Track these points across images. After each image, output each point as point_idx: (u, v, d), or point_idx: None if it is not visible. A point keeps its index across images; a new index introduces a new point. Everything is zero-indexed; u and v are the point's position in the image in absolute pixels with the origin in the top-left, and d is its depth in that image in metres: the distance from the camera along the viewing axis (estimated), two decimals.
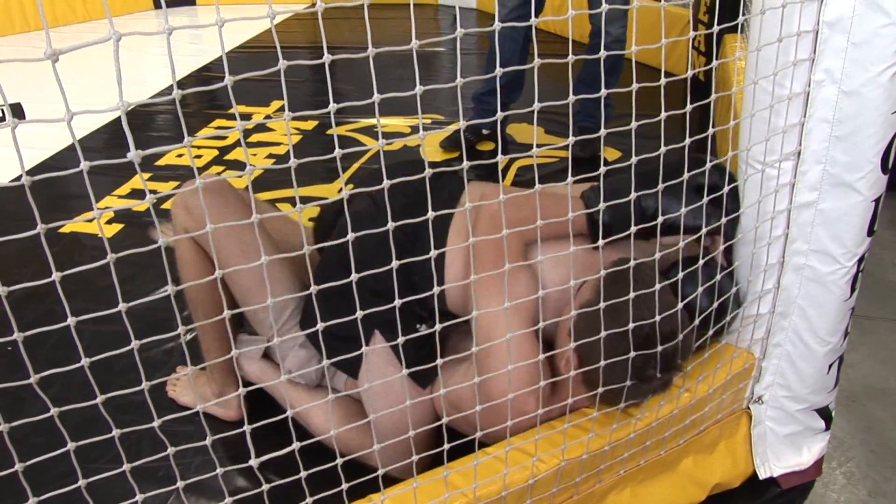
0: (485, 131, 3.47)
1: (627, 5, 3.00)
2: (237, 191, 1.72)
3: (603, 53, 1.00)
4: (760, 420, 1.67)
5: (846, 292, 1.45)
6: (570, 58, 0.95)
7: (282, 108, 4.13)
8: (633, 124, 1.06)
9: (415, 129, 3.74)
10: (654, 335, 1.27)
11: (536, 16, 3.18)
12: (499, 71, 0.91)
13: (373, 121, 3.80)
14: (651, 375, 1.33)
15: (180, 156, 3.54)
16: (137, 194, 3.20)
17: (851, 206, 1.34)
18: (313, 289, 0.97)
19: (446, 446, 1.19)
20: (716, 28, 1.12)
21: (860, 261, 1.42)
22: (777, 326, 1.53)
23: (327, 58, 0.73)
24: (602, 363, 1.25)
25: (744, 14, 1.29)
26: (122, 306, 0.76)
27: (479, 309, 1.37)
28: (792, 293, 1.48)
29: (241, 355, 1.87)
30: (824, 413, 1.65)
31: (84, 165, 0.62)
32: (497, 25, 0.88)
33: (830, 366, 1.56)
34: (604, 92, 1.08)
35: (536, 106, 0.95)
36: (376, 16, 5.54)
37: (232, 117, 4.04)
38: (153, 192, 3.15)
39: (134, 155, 0.62)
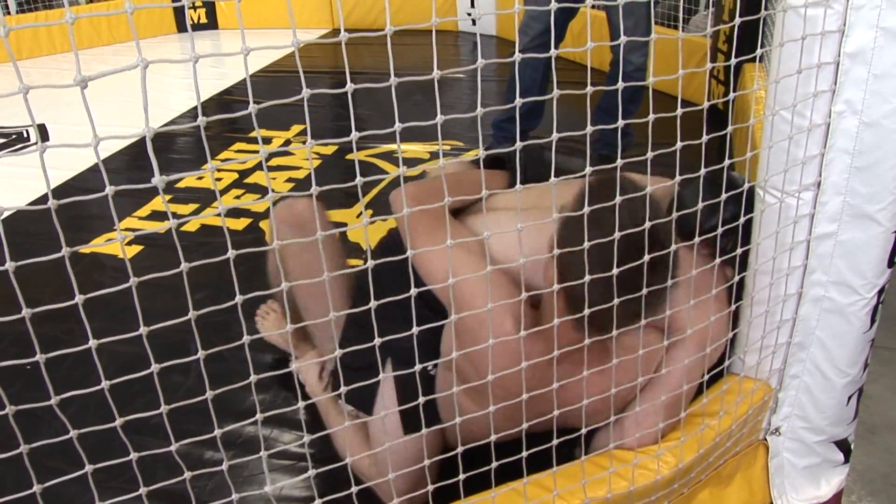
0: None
1: (648, 34, 3.01)
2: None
3: (621, 85, 1.01)
4: (778, 452, 1.65)
5: (866, 324, 1.43)
6: (589, 89, 0.96)
7: (302, 132, 4.16)
8: (649, 154, 1.06)
9: (434, 155, 3.75)
10: (642, 242, 1.17)
11: (557, 45, 3.16)
12: (519, 101, 0.91)
13: (392, 146, 3.82)
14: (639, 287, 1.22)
15: (200, 178, 3.57)
16: (157, 216, 3.22)
17: (872, 237, 1.34)
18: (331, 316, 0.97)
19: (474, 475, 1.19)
20: (733, 60, 1.12)
21: (880, 292, 1.41)
22: (795, 358, 1.52)
23: (350, 87, 0.74)
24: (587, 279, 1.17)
25: (763, 45, 1.30)
26: (142, 329, 0.76)
27: (424, 266, 1.39)
28: (811, 324, 1.47)
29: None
30: (843, 445, 1.63)
31: (109, 190, 0.63)
32: (518, 56, 0.89)
33: (850, 397, 1.54)
34: (620, 123, 1.08)
35: (555, 136, 0.95)
36: (397, 42, 5.59)
37: (252, 141, 4.08)
38: (174, 214, 3.18)
39: (158, 180, 0.63)
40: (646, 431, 1.42)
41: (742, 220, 1.31)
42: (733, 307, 1.48)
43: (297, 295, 1.84)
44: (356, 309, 1.05)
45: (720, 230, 1.30)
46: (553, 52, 0.91)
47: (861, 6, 1.18)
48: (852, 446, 1.66)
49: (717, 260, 1.30)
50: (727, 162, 1.19)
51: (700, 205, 1.22)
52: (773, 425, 1.63)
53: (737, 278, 1.45)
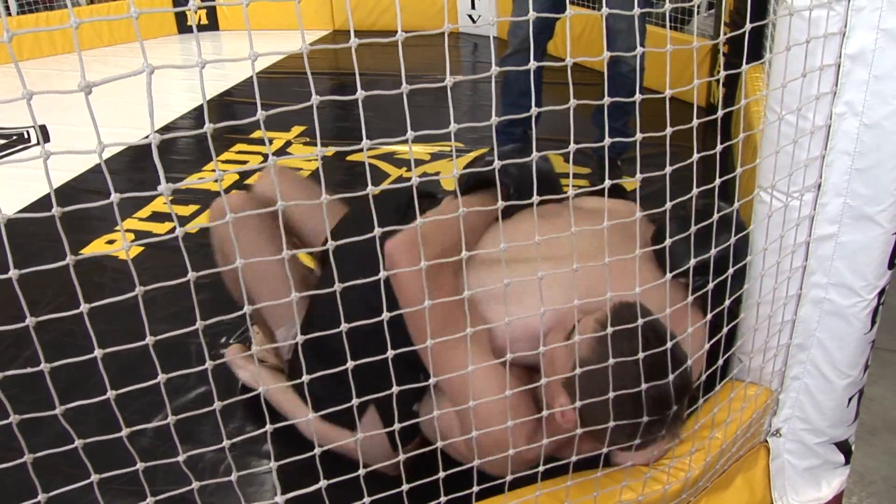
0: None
1: (643, 35, 3.01)
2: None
3: (638, 98, 1.00)
4: (779, 453, 1.65)
5: (867, 325, 1.43)
6: (607, 100, 0.96)
7: (302, 134, 4.17)
8: (668, 168, 1.05)
9: (434, 157, 3.75)
10: (668, 395, 1.18)
11: (546, 43, 3.11)
12: (534, 111, 0.92)
13: (392, 148, 3.82)
14: (657, 431, 1.24)
15: (201, 179, 3.57)
16: (158, 217, 3.23)
17: (872, 238, 1.34)
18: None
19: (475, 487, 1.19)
20: (744, 67, 1.12)
21: (881, 294, 1.41)
22: (796, 360, 1.52)
23: (360, 94, 0.74)
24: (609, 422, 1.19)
25: (766, 46, 1.30)
26: (149, 339, 0.76)
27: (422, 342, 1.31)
28: (811, 326, 1.47)
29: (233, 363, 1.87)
30: (844, 447, 1.63)
31: (115, 197, 0.63)
32: (533, 65, 0.89)
33: (850, 399, 1.54)
34: (639, 136, 1.07)
35: (572, 147, 0.94)
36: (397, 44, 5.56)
37: (253, 142, 4.09)
38: (175, 215, 3.18)
39: (164, 188, 0.63)
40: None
41: (715, 251, 1.29)
42: (737, 324, 1.48)
43: (245, 281, 1.76)
44: (318, 333, 1.00)
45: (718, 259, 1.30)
46: (569, 61, 0.91)
47: (862, 8, 1.18)
48: (853, 448, 1.66)
49: (722, 288, 1.30)
50: (738, 170, 1.19)
51: (716, 218, 1.21)
52: (774, 427, 1.63)
53: (744, 289, 1.43)
